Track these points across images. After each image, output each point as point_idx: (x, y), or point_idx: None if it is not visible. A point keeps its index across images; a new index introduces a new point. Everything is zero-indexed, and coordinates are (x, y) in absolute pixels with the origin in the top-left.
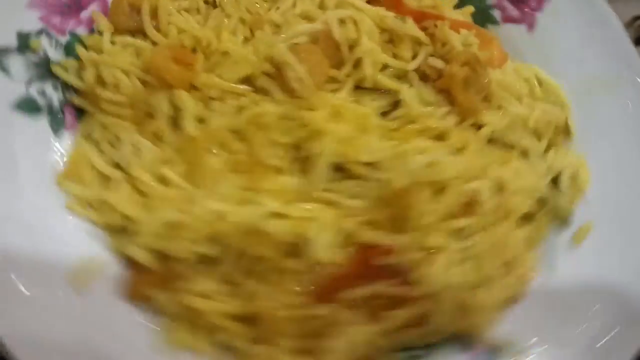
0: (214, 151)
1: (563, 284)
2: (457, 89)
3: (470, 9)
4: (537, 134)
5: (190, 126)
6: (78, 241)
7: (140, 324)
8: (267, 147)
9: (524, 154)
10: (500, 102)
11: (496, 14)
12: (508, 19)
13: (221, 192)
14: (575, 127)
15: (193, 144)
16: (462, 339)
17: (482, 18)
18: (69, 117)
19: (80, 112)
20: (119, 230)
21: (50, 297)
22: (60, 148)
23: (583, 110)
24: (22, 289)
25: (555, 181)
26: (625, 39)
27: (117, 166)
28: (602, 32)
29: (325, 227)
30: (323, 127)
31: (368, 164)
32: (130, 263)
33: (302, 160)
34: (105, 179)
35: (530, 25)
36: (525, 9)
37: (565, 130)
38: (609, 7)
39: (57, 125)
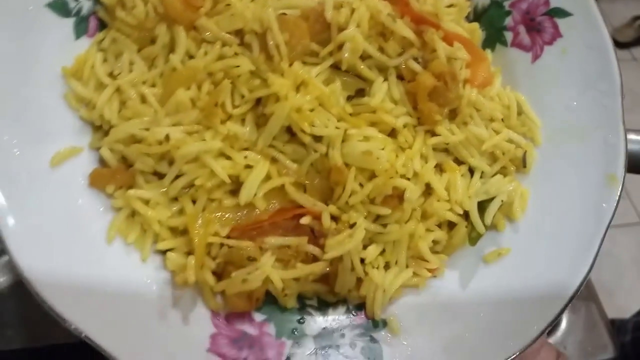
0: (190, 86)
1: (459, 292)
2: (421, 96)
3: (475, 25)
4: (493, 158)
5: (176, 60)
6: (67, 134)
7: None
8: (231, 96)
9: (472, 171)
10: (466, 119)
11: (508, 36)
12: (517, 44)
13: (180, 121)
14: (536, 163)
15: (174, 74)
16: (351, 305)
17: (494, 37)
18: (92, 25)
19: (102, 24)
20: (98, 130)
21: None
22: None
23: (550, 150)
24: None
25: (486, 204)
26: (616, 97)
27: (114, 76)
28: (600, 83)
29: (259, 176)
30: (283, 92)
31: (315, 136)
32: (102, 161)
33: (260, 116)
34: (100, 83)
35: (536, 56)
36: (537, 39)
37: (522, 163)
38: (616, 63)
39: (80, 30)
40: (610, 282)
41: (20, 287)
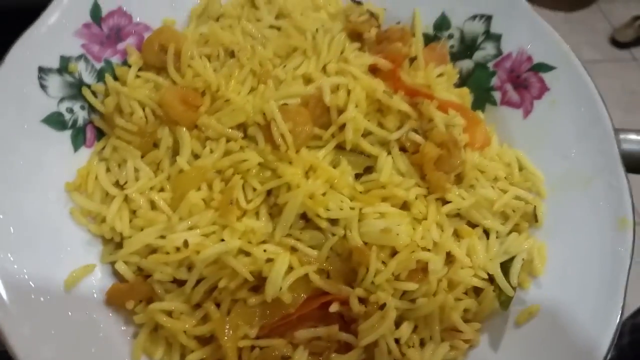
0: (200, 186)
1: (493, 357)
2: (428, 167)
3: (465, 90)
4: (504, 217)
5: (182, 161)
6: (77, 250)
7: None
8: (242, 190)
9: (487, 233)
10: (472, 183)
11: (496, 95)
12: (506, 102)
13: (195, 224)
14: (546, 216)
15: (182, 176)
16: None
17: (483, 98)
18: (90, 135)
19: (100, 132)
20: (109, 242)
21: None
22: (78, 161)
23: (557, 201)
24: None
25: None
26: (612, 141)
27: (119, 185)
28: (593, 130)
29: (282, 269)
30: (295, 181)
31: (331, 219)
32: (116, 273)
33: (272, 207)
34: (106, 195)
35: (527, 112)
36: (526, 95)
37: (534, 218)
38: (605, 108)
39: (78, 141)
40: None
41: None
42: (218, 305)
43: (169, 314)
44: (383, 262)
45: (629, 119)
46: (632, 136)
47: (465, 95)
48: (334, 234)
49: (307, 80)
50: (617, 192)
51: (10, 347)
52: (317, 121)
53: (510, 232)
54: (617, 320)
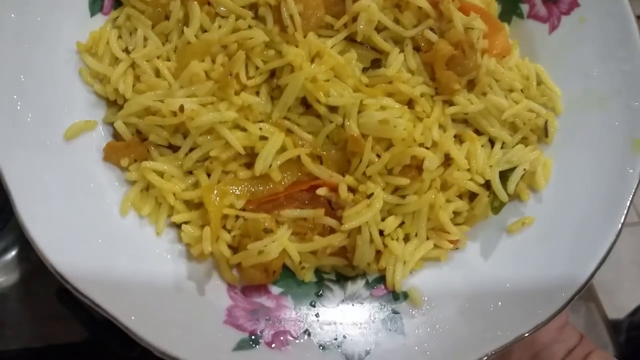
0: (204, 58)
1: (481, 263)
2: (438, 65)
3: None
4: (514, 128)
5: (190, 33)
6: (81, 108)
7: (110, 186)
8: (245, 67)
9: (492, 142)
10: (485, 90)
11: (524, 8)
12: (533, 16)
13: (194, 92)
14: (557, 132)
15: (188, 48)
16: (370, 278)
17: (510, 9)
18: (107, 2)
19: (118, 3)
20: (113, 105)
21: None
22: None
23: (571, 119)
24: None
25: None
26: (637, 62)
27: (128, 52)
28: (620, 50)
29: (274, 147)
30: (298, 62)
31: (330, 107)
32: (116, 135)
33: (274, 89)
34: (115, 59)
35: (553, 27)
36: (554, 10)
37: (544, 132)
38: (637, 28)
39: (95, 7)
40: (610, 282)
41: (20, 288)
42: (209, 175)
43: (161, 175)
44: (378, 155)
45: None
46: None
47: (490, 4)
48: (331, 121)
49: None
50: (636, 114)
51: (5, 182)
52: (331, 9)
53: (517, 144)
54: (614, 237)
